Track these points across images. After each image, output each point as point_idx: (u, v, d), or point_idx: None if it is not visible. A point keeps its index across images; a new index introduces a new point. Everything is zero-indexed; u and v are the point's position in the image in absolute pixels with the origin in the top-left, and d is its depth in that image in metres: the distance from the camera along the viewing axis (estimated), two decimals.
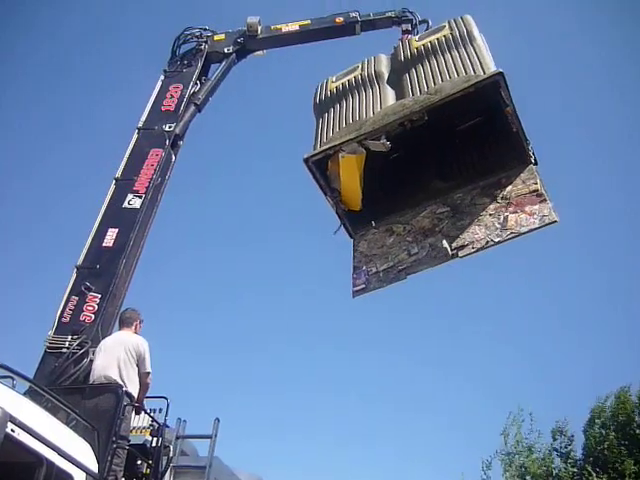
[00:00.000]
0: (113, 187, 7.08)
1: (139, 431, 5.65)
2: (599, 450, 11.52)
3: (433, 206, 6.42)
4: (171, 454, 6.05)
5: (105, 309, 5.99)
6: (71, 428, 4.18)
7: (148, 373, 5.35)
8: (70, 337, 5.74)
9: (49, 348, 5.71)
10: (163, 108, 7.95)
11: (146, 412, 5.54)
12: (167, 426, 5.62)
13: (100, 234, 6.58)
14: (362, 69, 6.94)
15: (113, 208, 6.85)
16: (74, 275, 6.27)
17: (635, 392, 12.69)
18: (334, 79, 7.17)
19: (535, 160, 6.04)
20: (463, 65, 5.90)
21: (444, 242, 5.85)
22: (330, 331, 34.69)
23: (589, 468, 11.15)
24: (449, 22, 6.69)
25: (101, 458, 4.34)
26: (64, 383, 5.40)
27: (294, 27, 8.92)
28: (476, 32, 6.40)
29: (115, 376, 5.14)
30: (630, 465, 10.78)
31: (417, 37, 7.07)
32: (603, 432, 11.87)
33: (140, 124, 7.77)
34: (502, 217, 5.79)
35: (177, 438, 7.02)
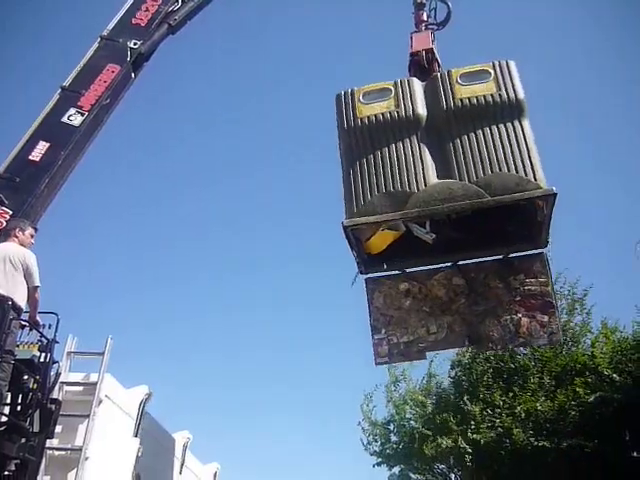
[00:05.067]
0: (57, 96, 6.70)
1: (26, 346, 5.58)
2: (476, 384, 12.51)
3: (447, 272, 6.48)
4: (60, 370, 6.06)
5: None
6: None
7: (37, 287, 5.10)
8: None
9: None
10: (134, 21, 7.44)
11: (33, 326, 5.31)
12: (56, 342, 5.53)
13: (29, 145, 6.26)
14: (396, 101, 6.09)
15: (51, 120, 6.51)
16: None
17: None
18: (361, 97, 6.19)
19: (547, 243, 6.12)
20: (513, 157, 5.59)
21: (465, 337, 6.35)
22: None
23: (465, 399, 12.08)
24: (494, 67, 6.03)
25: None
26: None
27: None
28: (523, 98, 5.87)
29: (0, 289, 4.86)
30: (498, 396, 11.76)
31: (459, 75, 6.11)
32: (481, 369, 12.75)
33: (105, 32, 7.27)
34: (515, 319, 6.09)
35: (68, 354, 7.15)
